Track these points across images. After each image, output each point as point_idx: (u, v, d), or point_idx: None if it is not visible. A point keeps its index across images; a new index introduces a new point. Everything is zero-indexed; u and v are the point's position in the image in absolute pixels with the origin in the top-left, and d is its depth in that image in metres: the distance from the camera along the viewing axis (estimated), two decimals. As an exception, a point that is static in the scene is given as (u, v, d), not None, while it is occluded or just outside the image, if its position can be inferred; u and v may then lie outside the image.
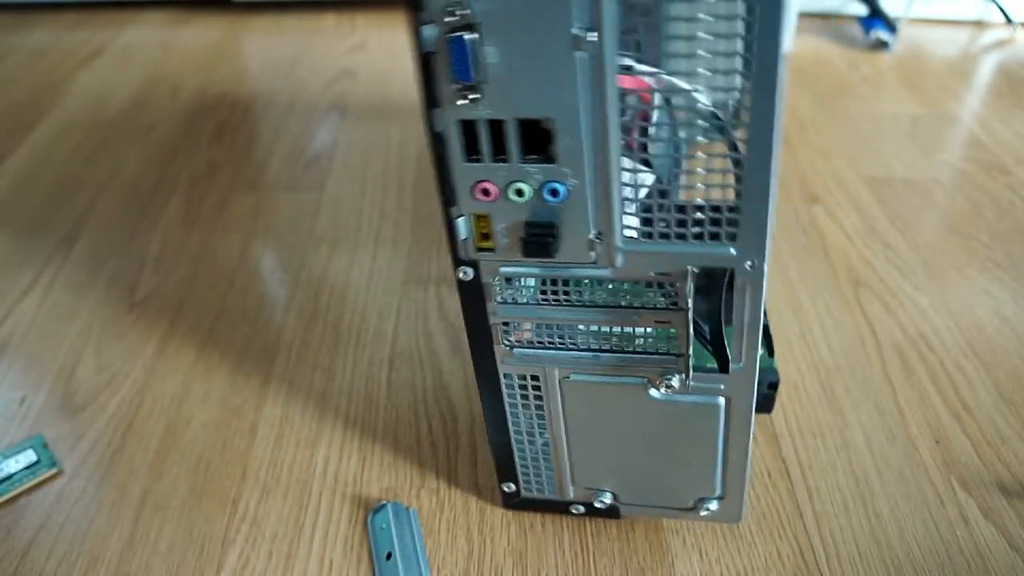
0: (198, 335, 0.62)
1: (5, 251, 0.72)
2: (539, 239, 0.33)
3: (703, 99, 0.31)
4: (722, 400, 0.38)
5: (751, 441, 0.40)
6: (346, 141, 0.88)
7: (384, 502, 0.49)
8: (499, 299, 0.37)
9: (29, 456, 0.52)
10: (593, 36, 0.28)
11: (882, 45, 1.06)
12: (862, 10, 1.09)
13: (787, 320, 0.62)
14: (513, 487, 0.47)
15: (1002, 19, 1.10)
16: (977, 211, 0.75)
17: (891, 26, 1.06)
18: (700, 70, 0.29)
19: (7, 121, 0.93)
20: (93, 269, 0.70)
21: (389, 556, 0.46)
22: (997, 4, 1.09)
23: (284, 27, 1.17)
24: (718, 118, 0.31)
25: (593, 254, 0.34)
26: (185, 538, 0.48)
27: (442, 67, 0.29)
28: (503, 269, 0.36)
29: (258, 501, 0.50)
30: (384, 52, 1.09)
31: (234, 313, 0.65)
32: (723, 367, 0.37)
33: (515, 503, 0.48)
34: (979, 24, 1.12)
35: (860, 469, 0.51)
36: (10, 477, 0.51)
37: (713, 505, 0.43)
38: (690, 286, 0.34)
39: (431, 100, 0.31)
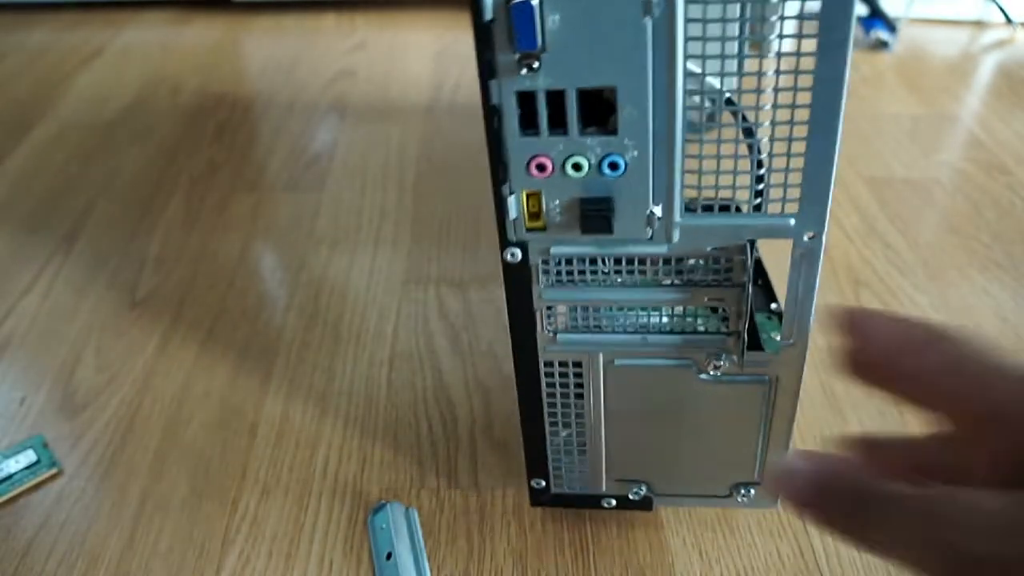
0: (198, 335, 0.62)
1: (5, 251, 0.72)
2: (598, 214, 0.32)
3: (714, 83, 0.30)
4: (769, 379, 0.37)
5: (795, 422, 0.39)
6: (346, 141, 0.88)
7: (384, 502, 0.49)
8: (545, 282, 0.36)
9: (29, 456, 0.52)
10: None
11: (882, 45, 1.06)
12: (862, 10, 1.09)
13: (787, 320, 0.62)
14: (543, 483, 0.45)
15: (1002, 19, 1.10)
16: (977, 211, 0.75)
17: (891, 26, 1.06)
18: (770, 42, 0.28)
19: (7, 121, 0.93)
20: (93, 269, 0.70)
21: (389, 556, 0.46)
22: (997, 4, 1.09)
23: (284, 27, 1.17)
24: (732, 103, 0.31)
25: (650, 230, 0.33)
26: (185, 538, 0.48)
27: (501, 35, 0.28)
28: (555, 249, 0.34)
29: (258, 501, 0.50)
30: (384, 52, 1.09)
31: (234, 313, 0.65)
32: (753, 344, 0.36)
33: (544, 499, 0.47)
34: (979, 24, 1.12)
35: (860, 469, 0.51)
36: (10, 477, 0.51)
37: (751, 491, 0.43)
38: (748, 260, 0.33)
39: (488, 71, 0.29)
